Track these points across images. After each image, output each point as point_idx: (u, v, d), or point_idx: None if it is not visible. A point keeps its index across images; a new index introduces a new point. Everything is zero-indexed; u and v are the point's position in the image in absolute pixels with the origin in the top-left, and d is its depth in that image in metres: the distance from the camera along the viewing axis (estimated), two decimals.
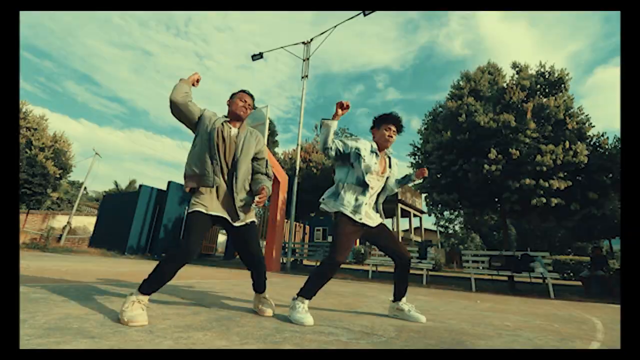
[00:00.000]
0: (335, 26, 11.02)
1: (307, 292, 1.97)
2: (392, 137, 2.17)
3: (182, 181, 1.96)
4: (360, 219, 2.04)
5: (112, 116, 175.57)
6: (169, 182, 13.91)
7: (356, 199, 2.07)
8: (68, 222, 17.86)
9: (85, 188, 21.05)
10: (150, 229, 13.25)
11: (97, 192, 43.84)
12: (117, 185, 37.06)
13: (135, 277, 3.91)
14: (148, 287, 1.65)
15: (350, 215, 2.03)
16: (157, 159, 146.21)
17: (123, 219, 13.02)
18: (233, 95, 2.10)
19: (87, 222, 21.31)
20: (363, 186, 2.09)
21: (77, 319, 1.53)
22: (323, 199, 2.17)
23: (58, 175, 12.42)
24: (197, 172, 1.86)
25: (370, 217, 2.13)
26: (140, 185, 13.46)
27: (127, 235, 12.45)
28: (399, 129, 2.21)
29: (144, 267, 5.86)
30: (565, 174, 6.26)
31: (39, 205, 16.95)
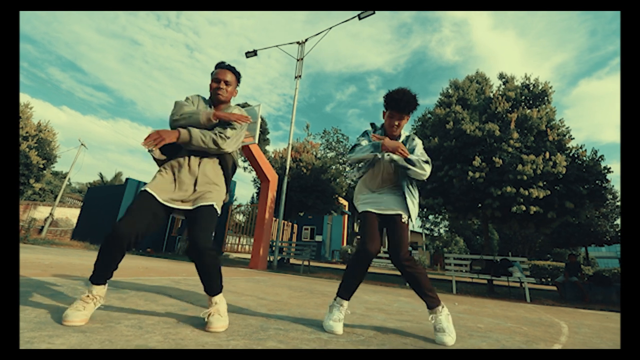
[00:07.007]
0: (330, 28, 11.10)
1: (344, 293, 1.94)
2: (397, 127, 1.95)
3: None
4: (365, 209, 2.00)
5: (98, 105, 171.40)
6: None
7: (362, 192, 2.10)
8: (50, 214, 17.44)
9: (69, 179, 20.58)
10: None
11: (80, 184, 42.86)
12: (102, 177, 36.34)
13: (120, 272, 3.91)
14: None
15: (360, 207, 2.05)
16: (144, 151, 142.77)
17: (108, 212, 12.83)
18: (211, 74, 1.80)
19: (70, 214, 20.86)
20: (367, 176, 2.09)
21: None
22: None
23: (42, 166, 12.12)
24: None
25: (379, 204, 1.99)
26: (127, 179, 13.29)
27: None
28: (409, 112, 1.92)
29: (129, 263, 5.83)
30: (545, 183, 6.52)
31: (20, 196, 16.47)
